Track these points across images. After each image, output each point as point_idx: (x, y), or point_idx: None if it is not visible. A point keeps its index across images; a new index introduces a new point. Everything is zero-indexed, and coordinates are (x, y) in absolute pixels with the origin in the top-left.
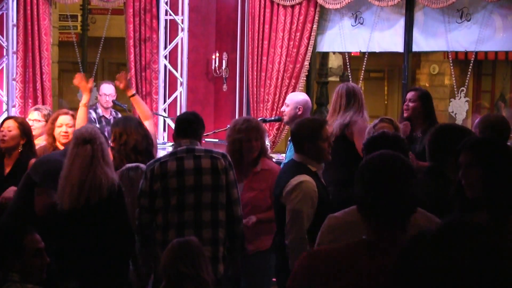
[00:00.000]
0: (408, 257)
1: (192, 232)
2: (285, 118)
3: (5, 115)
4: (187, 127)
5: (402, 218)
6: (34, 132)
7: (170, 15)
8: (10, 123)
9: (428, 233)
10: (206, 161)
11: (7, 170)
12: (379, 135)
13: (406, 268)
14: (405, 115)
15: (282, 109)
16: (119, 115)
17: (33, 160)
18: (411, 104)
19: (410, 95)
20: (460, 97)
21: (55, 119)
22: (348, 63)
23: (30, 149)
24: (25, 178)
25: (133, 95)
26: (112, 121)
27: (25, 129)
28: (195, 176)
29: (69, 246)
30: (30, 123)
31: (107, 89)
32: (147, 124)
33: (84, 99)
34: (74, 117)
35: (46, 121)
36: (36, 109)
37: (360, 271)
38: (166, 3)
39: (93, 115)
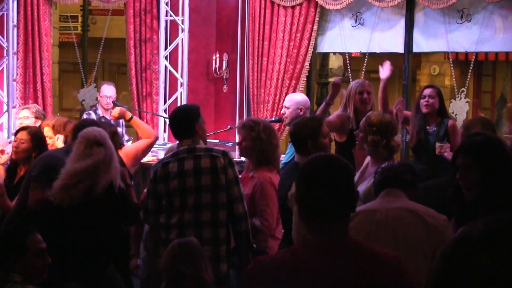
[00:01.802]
0: (452, 260)
1: (192, 233)
2: (287, 120)
3: (5, 116)
4: (179, 128)
5: (344, 215)
6: None
7: (171, 15)
8: (24, 136)
9: (472, 235)
10: (206, 160)
11: (17, 179)
12: None
13: (450, 272)
14: (425, 110)
15: (282, 111)
16: None
17: None
18: (431, 100)
19: (429, 91)
20: (461, 97)
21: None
22: (348, 64)
23: None
24: (27, 177)
25: (130, 119)
26: (112, 122)
27: (37, 142)
28: (195, 177)
29: (67, 244)
30: (20, 121)
31: (108, 91)
32: (147, 141)
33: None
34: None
35: (36, 117)
36: (24, 108)
37: (310, 273)
38: (167, 4)
39: (93, 116)
